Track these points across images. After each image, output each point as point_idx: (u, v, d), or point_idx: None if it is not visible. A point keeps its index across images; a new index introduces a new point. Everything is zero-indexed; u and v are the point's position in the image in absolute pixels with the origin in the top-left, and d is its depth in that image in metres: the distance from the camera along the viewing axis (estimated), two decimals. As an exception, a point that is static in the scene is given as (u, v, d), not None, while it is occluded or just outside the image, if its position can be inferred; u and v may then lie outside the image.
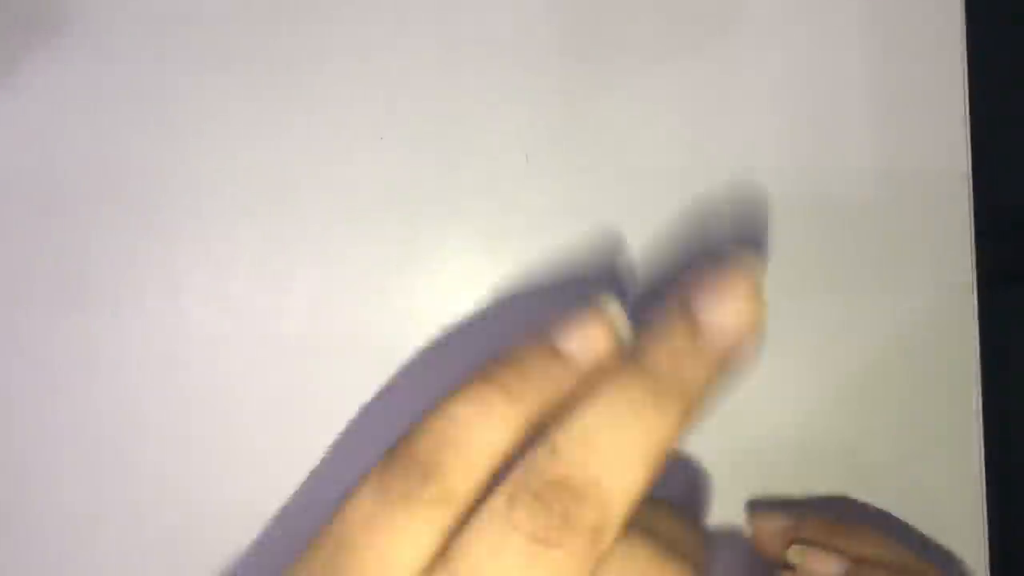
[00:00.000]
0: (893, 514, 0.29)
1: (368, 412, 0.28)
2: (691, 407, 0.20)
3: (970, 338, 0.31)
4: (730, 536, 0.30)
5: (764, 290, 0.21)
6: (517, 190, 0.30)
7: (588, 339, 0.21)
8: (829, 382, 0.30)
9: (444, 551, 0.18)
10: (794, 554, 0.25)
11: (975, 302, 0.31)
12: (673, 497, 0.27)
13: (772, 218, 0.31)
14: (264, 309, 0.28)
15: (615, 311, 0.21)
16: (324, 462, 0.28)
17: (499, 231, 0.29)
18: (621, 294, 0.30)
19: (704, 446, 0.29)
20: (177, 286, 0.28)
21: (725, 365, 0.20)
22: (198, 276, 0.28)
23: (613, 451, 0.18)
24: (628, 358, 0.20)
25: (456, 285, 0.29)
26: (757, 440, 0.30)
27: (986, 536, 0.30)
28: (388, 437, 0.21)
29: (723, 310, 0.20)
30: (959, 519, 0.30)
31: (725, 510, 0.29)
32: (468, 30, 0.30)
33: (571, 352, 0.20)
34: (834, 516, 0.27)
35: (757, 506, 0.26)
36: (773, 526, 0.26)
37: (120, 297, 0.28)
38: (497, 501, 0.18)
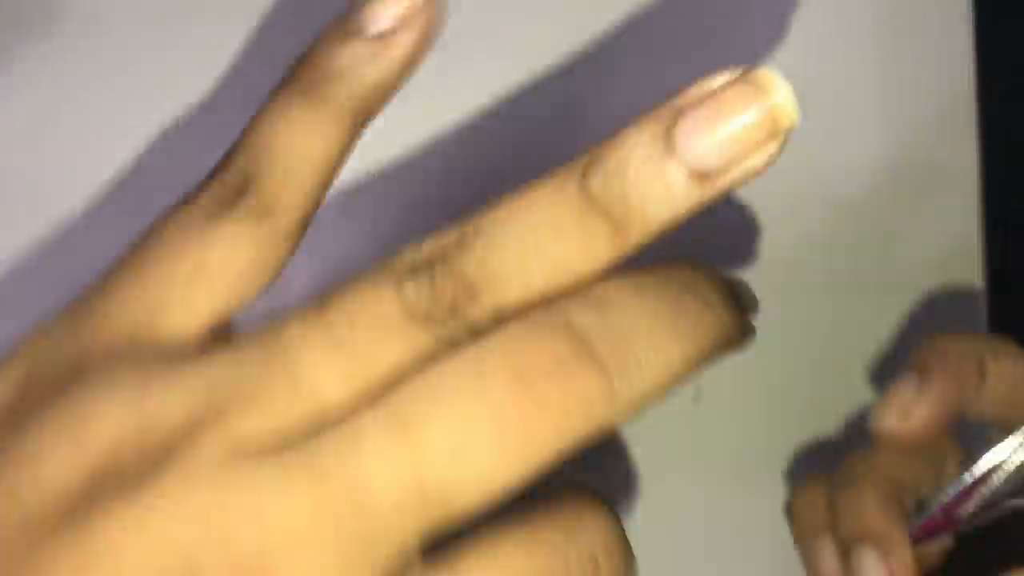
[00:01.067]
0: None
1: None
2: (635, 245, 0.16)
3: (978, 339, 0.31)
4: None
5: (781, 123, 0.16)
6: (517, 190, 0.29)
7: (395, 10, 0.17)
8: (832, 382, 0.30)
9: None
10: None
11: (984, 301, 0.31)
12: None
13: (777, 216, 0.31)
14: (262, 310, 0.28)
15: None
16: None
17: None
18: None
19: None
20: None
21: (695, 206, 0.16)
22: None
23: (517, 261, 0.15)
24: (571, 165, 0.16)
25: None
26: (758, 438, 0.30)
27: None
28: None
29: (712, 136, 0.15)
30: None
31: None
32: (468, 30, 0.29)
33: (380, 30, 0.17)
34: None
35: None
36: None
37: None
38: (392, 263, 0.15)
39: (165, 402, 0.15)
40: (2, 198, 0.28)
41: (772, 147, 0.15)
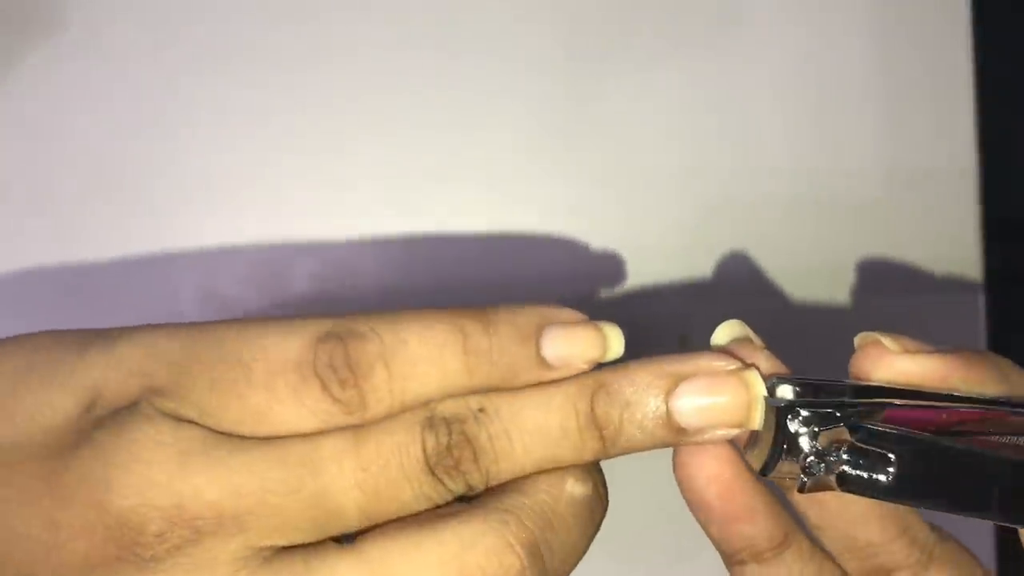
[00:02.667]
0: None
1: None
2: (609, 457, 0.19)
3: (978, 340, 0.31)
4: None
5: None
6: (517, 189, 0.29)
7: (571, 356, 0.19)
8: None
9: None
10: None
11: (983, 303, 0.31)
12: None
13: (775, 218, 0.31)
14: (261, 309, 0.28)
15: (614, 343, 0.19)
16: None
17: (499, 231, 0.29)
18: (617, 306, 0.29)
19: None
20: (175, 286, 0.28)
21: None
22: (195, 276, 0.28)
23: (526, 444, 0.19)
24: (584, 383, 0.19)
25: (455, 285, 0.29)
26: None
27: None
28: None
29: (700, 410, 0.19)
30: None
31: None
32: (468, 30, 0.29)
33: (550, 358, 0.19)
34: None
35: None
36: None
37: (118, 297, 0.28)
38: (415, 414, 0.18)
39: (199, 488, 0.17)
40: (2, 198, 0.28)
41: (738, 428, 0.19)
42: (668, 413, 0.19)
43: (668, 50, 0.30)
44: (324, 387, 0.18)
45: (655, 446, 0.19)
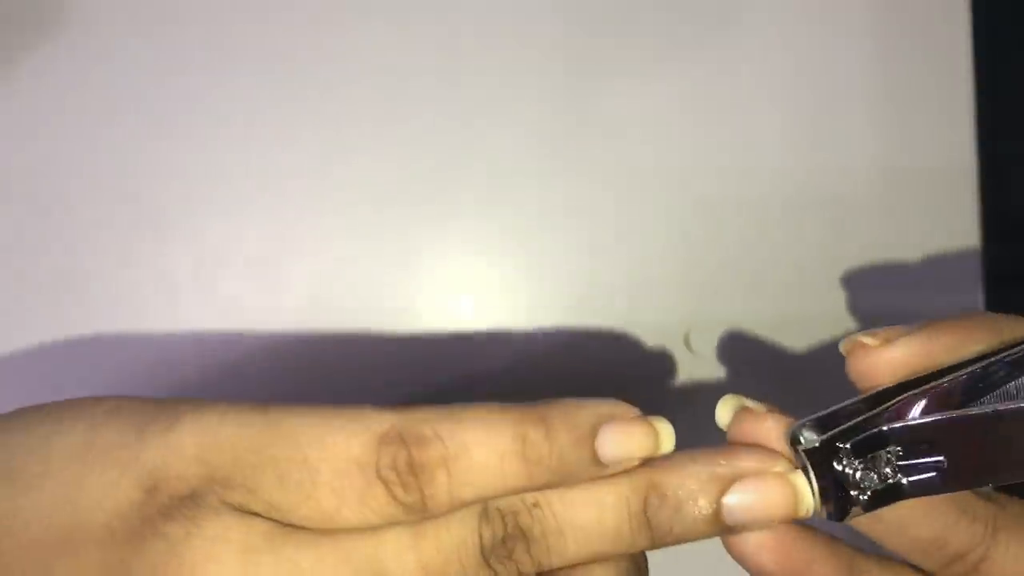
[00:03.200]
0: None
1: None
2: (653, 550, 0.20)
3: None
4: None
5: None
6: (517, 190, 0.29)
7: (626, 456, 0.20)
8: (832, 382, 0.30)
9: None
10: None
11: (983, 303, 0.31)
12: None
13: (775, 218, 0.31)
14: (261, 309, 0.28)
15: (666, 441, 0.20)
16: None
17: (499, 230, 0.29)
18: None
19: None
20: (174, 286, 0.28)
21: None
22: (195, 276, 0.28)
23: (578, 539, 0.20)
24: (636, 482, 0.20)
25: (456, 285, 0.29)
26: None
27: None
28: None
29: (749, 511, 0.20)
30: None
31: None
32: (468, 30, 0.29)
33: (606, 458, 0.20)
34: None
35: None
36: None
37: (117, 297, 0.28)
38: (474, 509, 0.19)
39: None
40: (2, 198, 0.28)
41: (785, 522, 0.20)
42: (718, 514, 0.20)
43: (668, 50, 0.30)
44: (388, 490, 0.18)
45: (703, 538, 0.20)
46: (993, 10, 0.32)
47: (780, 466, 0.20)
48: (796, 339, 0.30)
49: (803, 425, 0.20)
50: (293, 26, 0.29)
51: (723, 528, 0.20)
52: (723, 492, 0.20)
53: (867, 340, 0.21)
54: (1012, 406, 0.19)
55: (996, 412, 0.19)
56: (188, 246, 0.28)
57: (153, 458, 0.18)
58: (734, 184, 0.30)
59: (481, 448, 0.19)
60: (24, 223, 0.28)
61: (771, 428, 0.20)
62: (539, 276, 0.29)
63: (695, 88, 0.30)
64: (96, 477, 0.18)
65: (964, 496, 0.21)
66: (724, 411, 0.21)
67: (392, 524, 0.19)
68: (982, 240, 0.31)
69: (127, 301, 0.28)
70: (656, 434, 0.20)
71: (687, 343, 0.29)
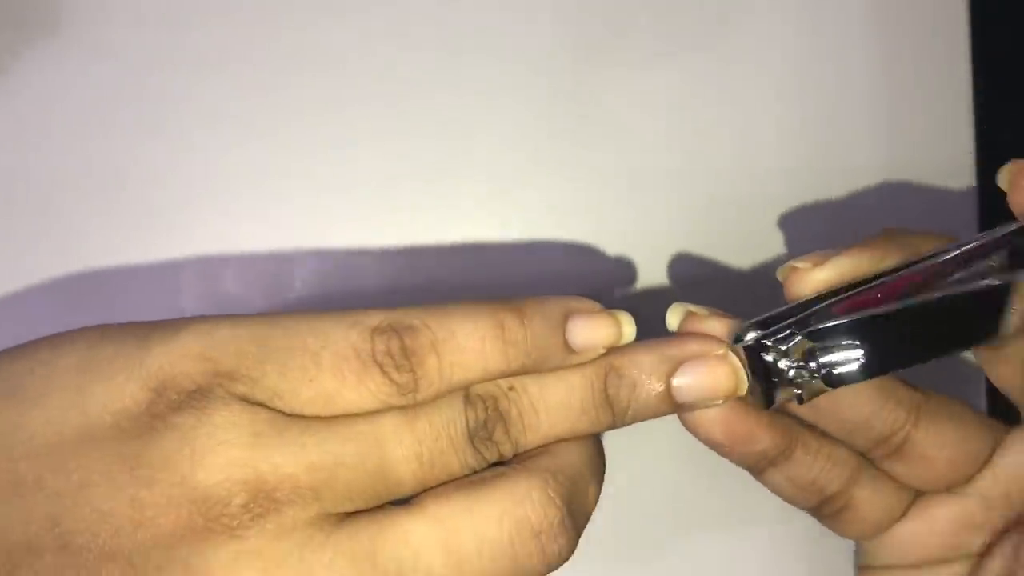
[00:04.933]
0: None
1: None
2: (618, 427, 0.23)
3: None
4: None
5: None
6: (517, 189, 0.29)
7: (593, 342, 0.22)
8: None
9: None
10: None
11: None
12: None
13: (775, 218, 0.31)
14: (261, 309, 0.28)
15: (628, 329, 0.23)
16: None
17: (499, 230, 0.29)
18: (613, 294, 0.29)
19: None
20: (175, 286, 0.28)
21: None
22: (196, 276, 0.28)
23: (551, 418, 0.22)
24: (598, 365, 0.22)
25: (455, 285, 0.29)
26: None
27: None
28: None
29: (698, 389, 0.23)
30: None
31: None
32: (468, 29, 0.29)
33: (575, 344, 0.22)
34: None
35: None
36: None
37: (117, 297, 0.28)
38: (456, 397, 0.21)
39: (277, 465, 0.19)
40: (2, 198, 0.28)
41: (728, 398, 0.23)
42: (669, 391, 0.22)
43: (668, 50, 0.30)
44: (383, 372, 0.20)
45: (657, 417, 0.23)
46: (993, 10, 0.32)
47: (721, 350, 0.23)
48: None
49: (745, 327, 0.22)
50: (295, 27, 0.29)
51: (675, 406, 0.23)
52: (672, 372, 0.22)
53: (800, 265, 0.23)
54: (912, 302, 0.22)
55: (899, 309, 0.22)
56: (188, 246, 0.28)
57: (158, 361, 0.19)
58: (734, 184, 0.30)
59: (465, 333, 0.21)
60: (23, 223, 0.28)
61: (715, 326, 0.23)
62: (539, 277, 0.29)
63: (695, 88, 0.30)
64: (101, 384, 0.19)
65: (891, 385, 0.24)
66: (673, 317, 0.24)
67: (387, 408, 0.20)
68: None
69: (127, 301, 0.28)
70: (619, 324, 0.22)
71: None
